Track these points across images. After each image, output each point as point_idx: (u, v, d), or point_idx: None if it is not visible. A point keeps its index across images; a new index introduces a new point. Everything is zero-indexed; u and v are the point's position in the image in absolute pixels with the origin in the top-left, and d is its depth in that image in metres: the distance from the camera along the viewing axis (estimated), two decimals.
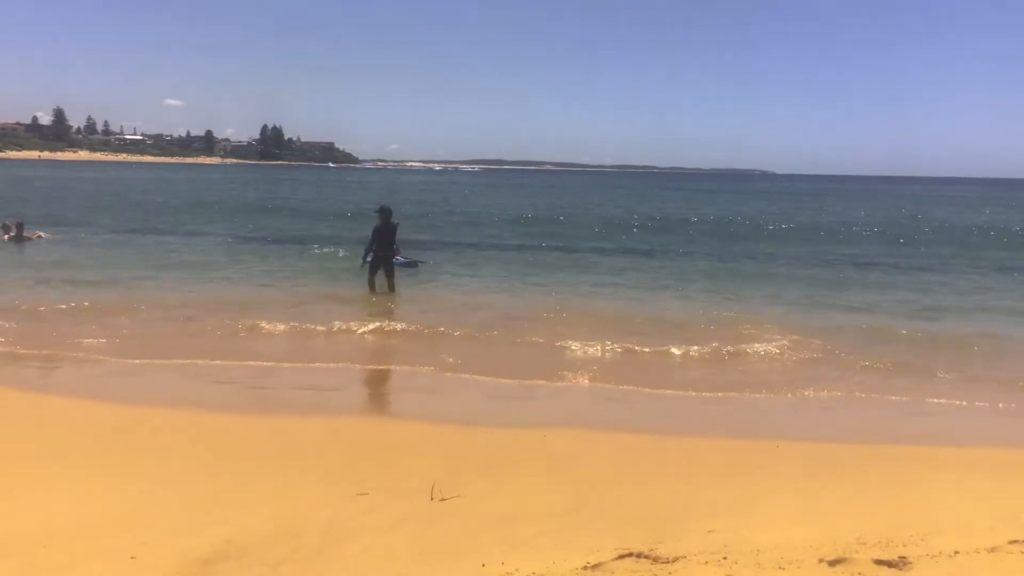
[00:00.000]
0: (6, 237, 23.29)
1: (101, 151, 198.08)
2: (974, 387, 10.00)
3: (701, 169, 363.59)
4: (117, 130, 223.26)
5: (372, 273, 15.86)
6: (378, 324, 12.81)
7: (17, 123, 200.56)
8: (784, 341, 11.95)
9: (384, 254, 15.88)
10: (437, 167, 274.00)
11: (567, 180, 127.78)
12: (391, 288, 15.90)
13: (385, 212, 16.07)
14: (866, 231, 38.12)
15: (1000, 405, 9.40)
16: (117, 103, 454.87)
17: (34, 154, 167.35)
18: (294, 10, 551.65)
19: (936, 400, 9.47)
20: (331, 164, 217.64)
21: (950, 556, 4.86)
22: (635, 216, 45.04)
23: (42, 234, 24.54)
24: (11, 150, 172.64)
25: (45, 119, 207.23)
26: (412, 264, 18.71)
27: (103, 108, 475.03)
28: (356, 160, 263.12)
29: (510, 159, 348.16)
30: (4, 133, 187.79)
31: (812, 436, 8.29)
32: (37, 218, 29.56)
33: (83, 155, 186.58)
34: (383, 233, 15.85)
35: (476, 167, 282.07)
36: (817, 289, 18.35)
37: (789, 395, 9.61)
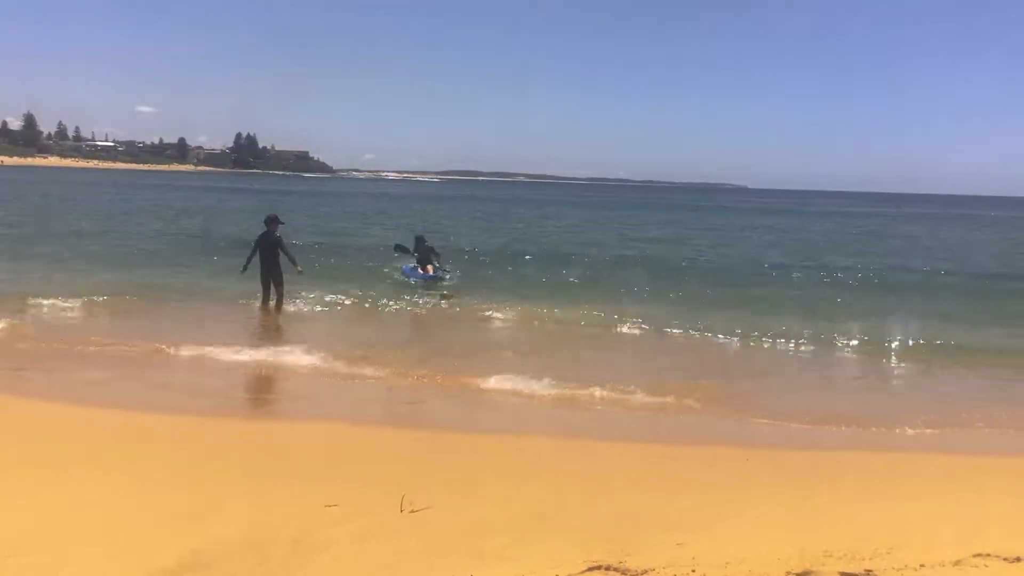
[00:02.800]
0: None
1: (72, 157, 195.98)
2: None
3: (675, 183, 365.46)
4: (88, 136, 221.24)
5: (264, 287, 15.32)
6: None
7: None
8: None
9: (269, 267, 15.20)
10: (392, 176, 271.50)
11: (533, 194, 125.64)
12: (279, 304, 15.26)
13: (270, 220, 15.49)
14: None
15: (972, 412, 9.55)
16: (89, 109, 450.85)
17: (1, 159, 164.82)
18: (270, 18, 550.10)
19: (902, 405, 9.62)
20: (304, 174, 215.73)
21: (915, 569, 4.91)
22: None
23: None
24: None
25: (15, 124, 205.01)
26: (436, 277, 19.41)
27: (74, 114, 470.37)
28: (331, 169, 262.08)
29: (485, 170, 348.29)
30: None
31: (783, 444, 8.37)
32: None
33: (53, 160, 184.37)
34: (268, 243, 15.19)
35: (448, 178, 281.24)
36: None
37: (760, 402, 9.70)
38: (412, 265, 19.72)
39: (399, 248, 20.80)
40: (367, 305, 16.17)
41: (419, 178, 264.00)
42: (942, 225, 64.45)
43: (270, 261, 15.15)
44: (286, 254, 15.26)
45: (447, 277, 19.61)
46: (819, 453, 8.18)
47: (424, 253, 19.67)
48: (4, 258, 21.52)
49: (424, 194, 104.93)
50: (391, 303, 16.40)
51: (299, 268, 15.41)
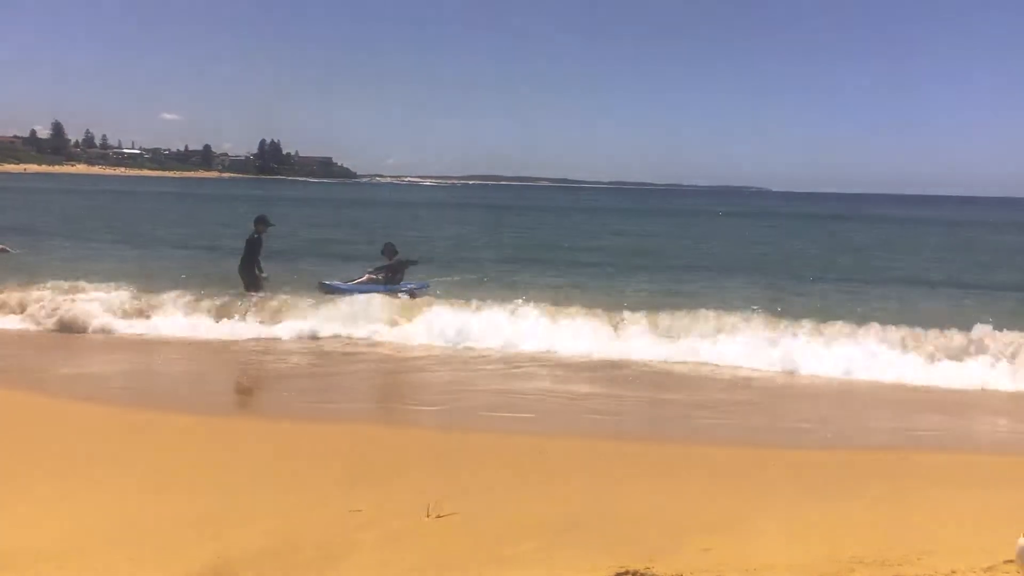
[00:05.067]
0: None
1: (99, 165, 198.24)
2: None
3: (698, 186, 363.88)
4: (115, 144, 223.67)
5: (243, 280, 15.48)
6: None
7: (15, 136, 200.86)
8: None
9: (247, 265, 15.42)
10: (415, 181, 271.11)
11: (559, 198, 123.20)
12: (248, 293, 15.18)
13: (258, 221, 15.70)
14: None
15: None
16: (115, 117, 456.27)
17: (20, 167, 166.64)
18: (293, 25, 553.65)
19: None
20: (325, 179, 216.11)
21: None
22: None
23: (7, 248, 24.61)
24: (9, 163, 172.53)
25: (44, 132, 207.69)
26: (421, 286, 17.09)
27: (101, 122, 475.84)
28: (354, 175, 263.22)
29: (508, 175, 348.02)
30: (3, 146, 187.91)
31: (809, 444, 8.31)
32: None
33: (81, 168, 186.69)
34: (250, 243, 15.50)
35: (469, 183, 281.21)
36: None
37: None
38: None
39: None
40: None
41: (432, 183, 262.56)
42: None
43: (249, 260, 15.43)
44: (256, 258, 15.45)
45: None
46: (846, 454, 8.10)
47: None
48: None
49: (445, 200, 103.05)
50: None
51: (264, 274, 15.58)
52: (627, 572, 4.91)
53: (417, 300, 15.63)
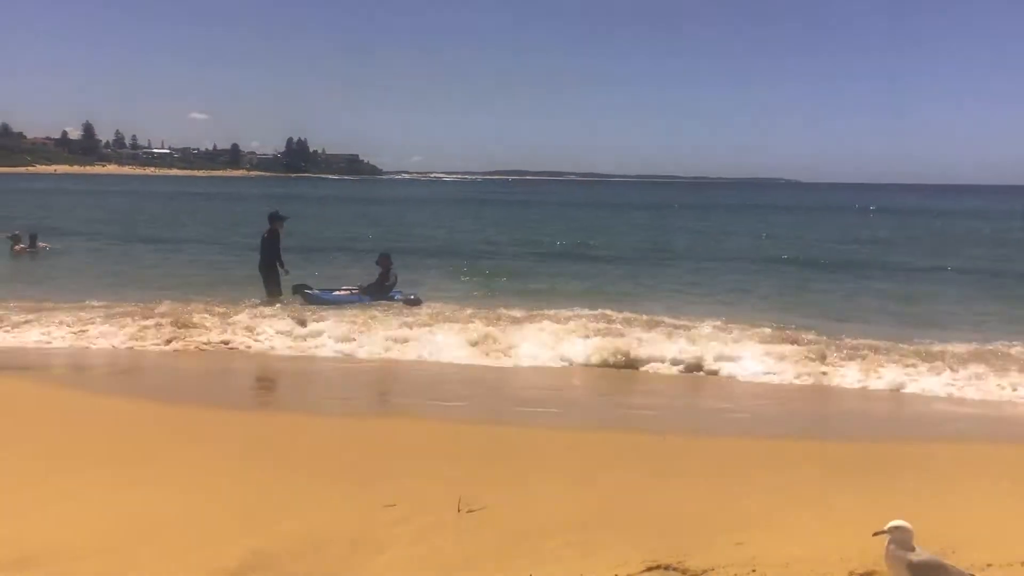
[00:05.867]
0: (17, 248, 23.85)
1: (129, 165, 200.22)
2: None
3: (724, 178, 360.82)
4: (145, 144, 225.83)
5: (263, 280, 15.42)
6: None
7: (47, 138, 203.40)
8: None
9: (265, 262, 15.42)
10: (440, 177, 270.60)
11: (582, 194, 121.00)
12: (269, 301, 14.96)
13: (272, 218, 15.69)
14: None
15: None
16: (144, 117, 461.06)
17: (51, 168, 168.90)
18: (318, 23, 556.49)
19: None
20: (350, 176, 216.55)
21: (983, 569, 4.81)
22: None
23: (48, 245, 25.11)
24: (41, 164, 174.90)
25: (75, 134, 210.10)
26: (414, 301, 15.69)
27: (131, 122, 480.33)
28: (380, 172, 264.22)
29: (533, 170, 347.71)
30: (35, 148, 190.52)
31: (838, 435, 8.25)
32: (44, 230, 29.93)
33: (112, 168, 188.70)
34: (266, 240, 15.48)
35: (497, 178, 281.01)
36: None
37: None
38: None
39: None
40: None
41: (456, 179, 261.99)
42: None
43: (269, 258, 15.43)
44: (277, 254, 15.44)
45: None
46: (878, 446, 8.03)
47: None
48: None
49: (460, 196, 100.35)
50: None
51: (286, 269, 15.62)
52: (659, 567, 4.91)
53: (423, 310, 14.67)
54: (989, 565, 4.86)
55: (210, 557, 5.00)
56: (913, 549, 4.26)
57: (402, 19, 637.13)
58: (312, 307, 14.39)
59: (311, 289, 15.46)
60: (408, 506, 5.93)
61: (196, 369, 11.23)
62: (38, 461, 6.87)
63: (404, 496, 6.12)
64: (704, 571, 4.78)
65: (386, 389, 10.98)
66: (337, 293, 15.55)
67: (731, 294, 18.88)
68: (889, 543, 4.29)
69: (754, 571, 4.80)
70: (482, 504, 5.93)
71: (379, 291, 15.77)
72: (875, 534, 4.34)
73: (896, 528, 4.27)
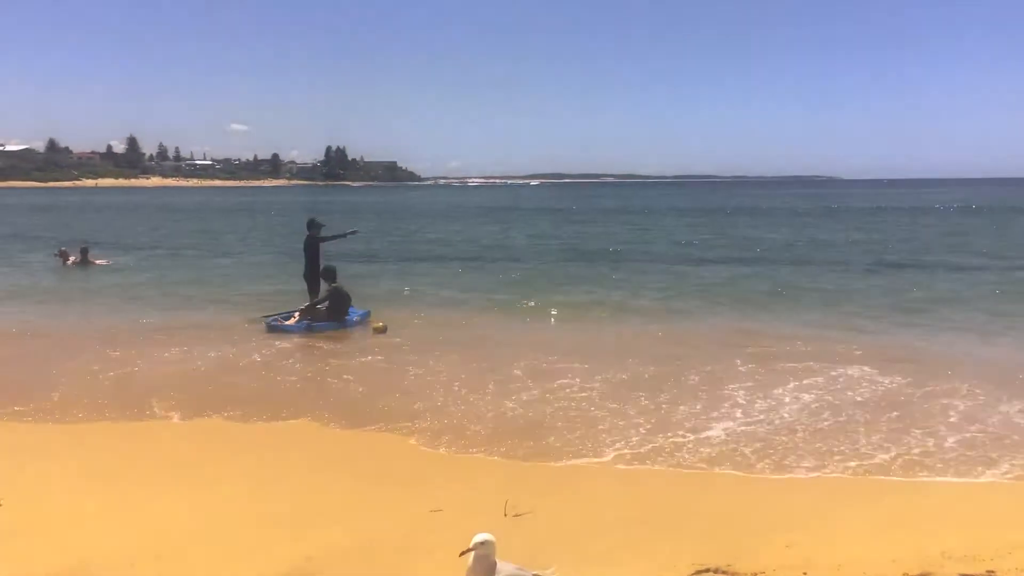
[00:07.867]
0: (69, 262, 24.15)
1: (172, 177, 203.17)
2: None
3: (765, 177, 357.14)
4: (187, 156, 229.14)
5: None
6: None
7: (93, 152, 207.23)
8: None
9: (310, 268, 15.09)
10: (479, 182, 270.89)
11: (626, 195, 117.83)
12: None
13: (310, 224, 15.60)
14: None
15: None
16: (186, 129, 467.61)
17: (91, 182, 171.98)
18: (356, 33, 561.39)
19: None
20: (388, 183, 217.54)
21: None
22: None
23: (102, 260, 25.36)
24: (88, 178, 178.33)
25: (119, 147, 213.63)
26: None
27: (173, 135, 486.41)
28: (418, 178, 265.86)
29: (571, 172, 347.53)
30: (82, 162, 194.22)
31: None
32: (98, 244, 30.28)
33: (156, 181, 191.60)
34: (308, 246, 15.30)
35: (537, 181, 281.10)
36: None
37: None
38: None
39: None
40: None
41: (496, 183, 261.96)
42: None
43: (312, 266, 15.30)
44: (333, 237, 15.79)
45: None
46: (924, 448, 7.87)
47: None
48: None
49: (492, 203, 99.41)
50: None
51: (352, 231, 16.51)
52: (708, 570, 4.87)
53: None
54: None
55: (263, 562, 5.07)
56: (494, 564, 4.23)
57: (439, 27, 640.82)
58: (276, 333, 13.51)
59: (269, 316, 14.34)
60: (454, 511, 5.95)
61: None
62: (95, 470, 7.02)
63: (450, 502, 6.15)
64: (755, 574, 4.75)
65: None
66: (288, 323, 14.10)
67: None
68: (473, 560, 4.23)
69: (806, 573, 4.76)
70: (527, 508, 5.94)
71: (323, 313, 14.13)
72: (461, 554, 4.25)
73: (481, 544, 4.21)
